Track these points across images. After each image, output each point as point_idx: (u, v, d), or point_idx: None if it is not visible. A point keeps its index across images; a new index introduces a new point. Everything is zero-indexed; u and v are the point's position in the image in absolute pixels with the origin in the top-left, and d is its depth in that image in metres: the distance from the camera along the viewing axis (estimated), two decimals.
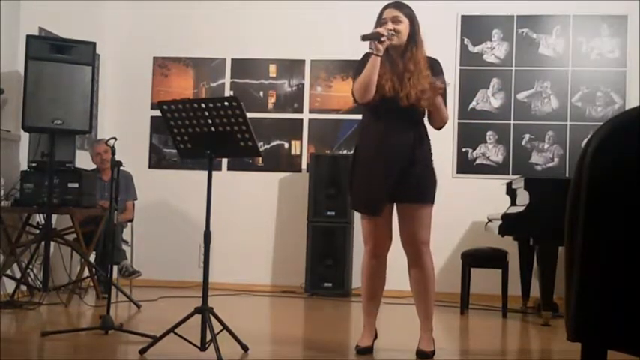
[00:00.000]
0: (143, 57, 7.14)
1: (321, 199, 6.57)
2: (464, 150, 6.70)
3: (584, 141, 2.54)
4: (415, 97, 3.63)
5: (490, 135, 6.72)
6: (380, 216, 3.71)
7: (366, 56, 3.69)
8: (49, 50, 5.15)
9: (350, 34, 6.87)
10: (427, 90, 3.63)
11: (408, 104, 3.64)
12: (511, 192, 5.90)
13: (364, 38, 3.58)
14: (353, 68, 3.91)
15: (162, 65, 7.15)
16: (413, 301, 3.91)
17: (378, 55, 3.58)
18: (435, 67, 3.76)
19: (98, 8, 6.85)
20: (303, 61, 7.00)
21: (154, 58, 7.15)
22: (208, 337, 3.44)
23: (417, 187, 3.68)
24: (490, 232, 5.76)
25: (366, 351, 3.77)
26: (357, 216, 6.54)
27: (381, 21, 3.70)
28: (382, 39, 3.57)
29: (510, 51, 6.74)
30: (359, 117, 6.92)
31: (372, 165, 3.70)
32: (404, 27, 3.68)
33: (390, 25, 3.65)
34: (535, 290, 5.60)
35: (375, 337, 3.88)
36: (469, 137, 6.67)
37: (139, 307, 5.28)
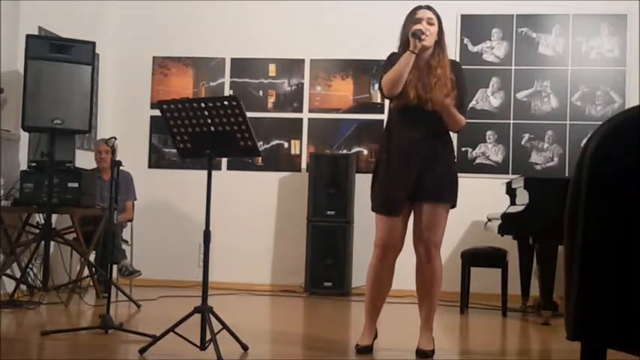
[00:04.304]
0: (143, 56, 7.14)
1: (320, 198, 6.57)
2: (463, 149, 6.69)
3: (584, 140, 2.54)
4: (439, 102, 3.66)
5: (490, 134, 6.72)
6: (397, 215, 3.71)
7: (392, 56, 3.75)
8: (49, 50, 5.14)
9: (349, 34, 6.92)
10: (450, 93, 3.67)
11: (432, 109, 3.67)
12: (511, 191, 5.90)
13: (412, 35, 3.61)
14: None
15: (161, 65, 7.15)
16: (413, 300, 3.91)
17: (413, 52, 3.61)
18: (456, 68, 3.80)
19: (98, 8, 6.84)
20: (302, 61, 7.00)
21: (154, 57, 7.15)
22: (208, 336, 3.44)
23: (435, 186, 3.69)
24: (490, 231, 5.76)
25: (366, 350, 3.77)
26: (358, 216, 6.61)
27: (414, 20, 3.72)
28: (422, 37, 3.62)
29: (510, 50, 6.74)
30: (358, 116, 7.02)
31: (393, 166, 3.71)
32: (435, 30, 3.74)
33: (426, 25, 3.68)
34: (535, 289, 5.60)
35: (375, 336, 3.88)
36: (469, 136, 6.66)
37: (138, 306, 5.28)
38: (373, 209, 3.80)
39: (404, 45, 3.70)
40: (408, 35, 3.66)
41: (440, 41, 3.76)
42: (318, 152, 6.79)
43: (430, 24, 3.72)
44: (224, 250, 6.58)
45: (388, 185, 3.72)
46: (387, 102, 6.65)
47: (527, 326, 5.24)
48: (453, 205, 3.80)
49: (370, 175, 3.90)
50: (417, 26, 3.66)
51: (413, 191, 3.69)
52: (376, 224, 3.79)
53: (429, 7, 3.79)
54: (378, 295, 3.83)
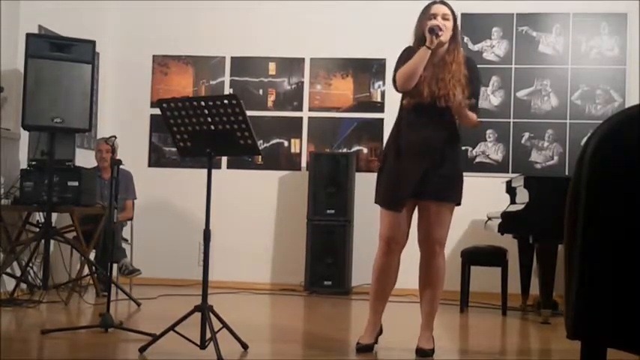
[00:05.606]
0: (143, 55, 7.13)
1: (320, 197, 6.57)
2: (463, 148, 6.67)
3: (584, 139, 2.55)
4: (453, 99, 3.66)
5: (490, 133, 6.72)
6: (400, 211, 3.71)
7: (409, 51, 3.74)
8: (49, 48, 5.14)
9: (349, 33, 6.92)
10: (465, 89, 3.67)
11: (445, 105, 3.67)
12: (511, 190, 5.90)
13: (429, 31, 3.62)
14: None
15: (161, 63, 7.15)
16: (414, 299, 3.91)
17: (429, 48, 3.61)
18: (470, 65, 3.79)
19: (98, 6, 6.84)
20: (302, 59, 7.00)
21: (154, 56, 7.15)
22: (208, 335, 3.44)
23: (440, 185, 3.70)
24: (490, 230, 5.76)
25: (366, 349, 3.77)
26: (357, 214, 6.61)
27: (429, 16, 3.72)
28: (440, 33, 3.63)
29: (510, 49, 6.74)
30: (358, 115, 7.02)
31: (400, 163, 3.71)
32: (450, 25, 3.73)
33: (441, 20, 3.69)
34: (535, 288, 5.60)
35: (380, 332, 3.88)
36: (469, 135, 6.64)
37: (138, 305, 5.28)
38: (376, 202, 3.81)
39: (419, 40, 3.70)
40: (424, 31, 3.65)
41: (454, 37, 3.76)
42: (318, 151, 6.79)
43: (445, 19, 3.71)
44: (224, 249, 6.59)
45: (393, 181, 3.72)
46: (387, 100, 6.70)
47: (527, 325, 5.24)
48: (458, 203, 3.81)
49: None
50: (434, 22, 3.66)
51: (418, 189, 3.69)
52: (380, 219, 3.79)
53: (443, 3, 3.78)
54: (383, 290, 3.83)
